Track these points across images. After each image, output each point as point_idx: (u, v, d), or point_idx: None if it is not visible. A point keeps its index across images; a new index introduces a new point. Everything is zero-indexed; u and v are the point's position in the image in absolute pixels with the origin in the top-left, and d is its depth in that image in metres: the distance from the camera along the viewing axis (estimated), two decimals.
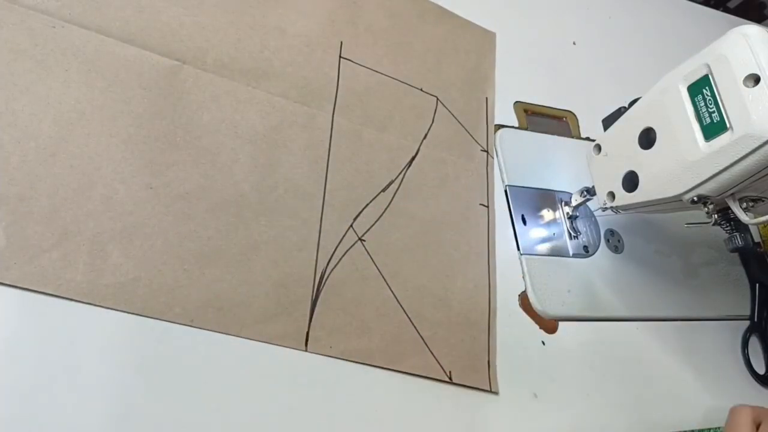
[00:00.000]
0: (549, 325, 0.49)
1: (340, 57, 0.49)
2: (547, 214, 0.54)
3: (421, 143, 0.50)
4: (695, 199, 0.41)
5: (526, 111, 0.59)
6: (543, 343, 0.48)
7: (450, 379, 0.43)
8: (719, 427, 0.51)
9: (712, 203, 0.41)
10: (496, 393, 0.44)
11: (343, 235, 0.44)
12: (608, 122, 0.49)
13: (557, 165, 0.57)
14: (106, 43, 0.41)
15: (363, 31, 0.52)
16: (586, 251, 0.54)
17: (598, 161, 0.48)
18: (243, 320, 0.39)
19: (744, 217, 0.40)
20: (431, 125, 0.51)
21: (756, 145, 0.36)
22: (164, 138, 0.41)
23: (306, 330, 0.40)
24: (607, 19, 0.73)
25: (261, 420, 0.37)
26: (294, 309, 0.41)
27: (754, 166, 0.37)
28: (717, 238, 0.61)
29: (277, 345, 0.39)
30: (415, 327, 0.44)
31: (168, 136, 0.41)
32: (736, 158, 0.37)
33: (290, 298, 0.41)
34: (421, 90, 0.52)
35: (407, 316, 0.44)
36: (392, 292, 0.44)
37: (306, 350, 0.40)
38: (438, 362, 0.43)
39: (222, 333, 0.38)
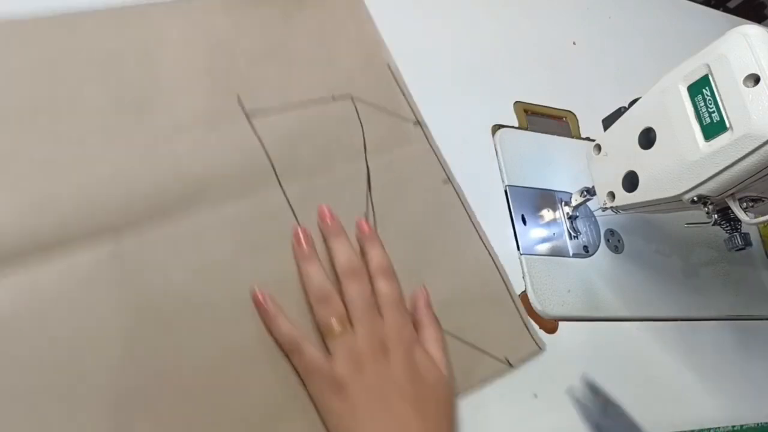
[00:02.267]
0: (549, 325, 0.49)
1: (246, 117, 0.43)
2: (547, 214, 0.54)
3: (366, 157, 0.47)
4: (695, 199, 0.41)
5: (526, 111, 0.59)
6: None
7: (510, 364, 0.43)
8: (719, 427, 0.51)
9: (712, 203, 0.41)
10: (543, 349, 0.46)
11: None
12: (608, 122, 0.49)
13: (557, 165, 0.57)
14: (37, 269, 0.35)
15: (247, 70, 0.45)
16: (586, 251, 0.54)
17: (598, 161, 0.48)
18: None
19: (744, 217, 0.40)
20: (363, 130, 0.48)
21: (756, 145, 0.36)
22: (137, 336, 0.35)
23: None
24: (607, 19, 0.73)
25: None
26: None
27: (754, 166, 0.37)
28: (717, 238, 0.61)
29: None
30: (455, 336, 0.43)
31: (137, 326, 0.35)
32: (736, 158, 0.37)
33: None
34: (333, 98, 0.48)
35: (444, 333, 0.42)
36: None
37: None
38: (492, 356, 0.43)
39: None
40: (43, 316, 0.34)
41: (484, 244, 0.48)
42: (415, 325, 0.42)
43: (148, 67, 0.42)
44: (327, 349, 0.38)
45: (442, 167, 0.50)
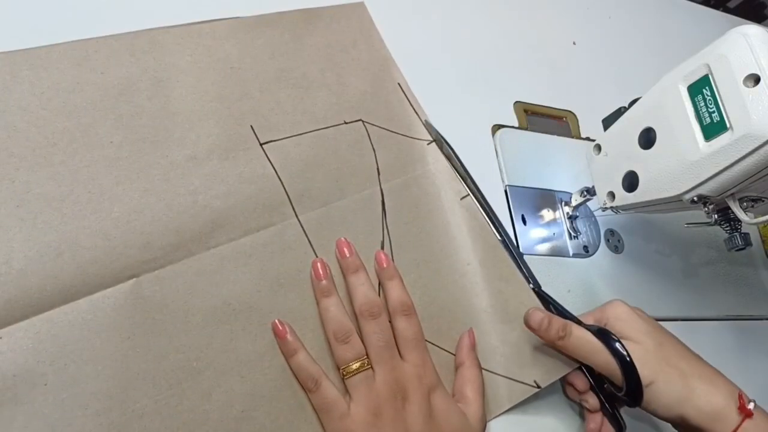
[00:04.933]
0: None
1: (260, 145, 0.43)
2: (547, 214, 0.54)
3: (380, 182, 0.46)
4: (695, 199, 0.41)
5: (526, 111, 0.59)
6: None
7: (539, 386, 0.42)
8: None
9: (712, 203, 0.41)
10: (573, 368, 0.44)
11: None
12: (608, 122, 0.49)
13: (557, 165, 0.57)
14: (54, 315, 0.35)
15: (259, 97, 0.45)
16: (586, 251, 0.54)
17: (598, 161, 0.48)
18: None
19: (744, 217, 0.40)
20: (375, 155, 0.47)
21: (756, 145, 0.36)
22: (161, 376, 0.36)
23: None
24: (607, 19, 0.73)
25: None
26: None
27: (754, 166, 0.37)
28: (717, 238, 0.61)
29: None
30: (488, 371, 0.42)
31: (160, 367, 0.36)
32: (736, 158, 0.37)
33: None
34: (345, 123, 0.47)
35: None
36: (444, 350, 0.42)
37: None
38: (521, 382, 0.42)
39: None
40: (64, 356, 0.34)
41: (516, 260, 0.46)
42: (457, 366, 0.42)
43: (160, 97, 0.42)
44: (345, 388, 0.38)
45: (462, 182, 0.48)
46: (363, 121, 0.48)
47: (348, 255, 0.41)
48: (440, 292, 0.44)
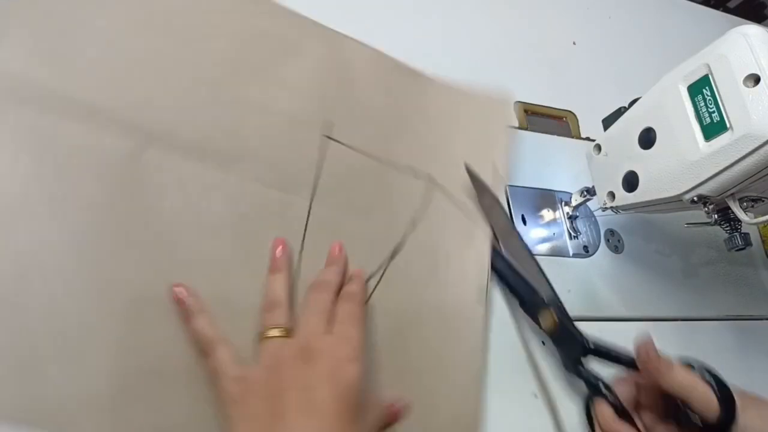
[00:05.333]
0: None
1: (324, 137, 0.44)
2: (547, 214, 0.54)
3: (409, 230, 0.45)
4: (695, 199, 0.41)
5: (526, 111, 0.59)
6: (543, 343, 0.48)
7: None
8: None
9: (712, 203, 0.41)
10: None
11: None
12: (608, 122, 0.49)
13: (557, 165, 0.57)
14: (62, 125, 0.37)
15: (354, 110, 0.47)
16: (586, 251, 0.54)
17: (598, 161, 0.48)
18: None
19: (744, 217, 0.40)
20: (422, 208, 0.46)
21: (756, 145, 0.36)
22: (117, 232, 0.36)
23: None
24: (607, 19, 0.73)
25: None
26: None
27: (754, 166, 0.37)
28: (717, 238, 0.61)
29: None
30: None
31: (121, 230, 0.36)
32: (736, 158, 0.37)
33: None
34: (413, 169, 0.47)
35: None
36: None
37: None
38: None
39: None
40: None
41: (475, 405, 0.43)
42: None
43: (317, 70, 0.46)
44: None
45: (486, 285, 0.45)
46: (431, 178, 0.47)
47: (337, 252, 0.41)
48: (395, 355, 0.41)
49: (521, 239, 0.44)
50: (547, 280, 0.44)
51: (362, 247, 0.43)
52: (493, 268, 0.46)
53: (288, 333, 0.36)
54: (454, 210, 0.47)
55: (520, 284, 0.45)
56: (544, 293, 0.44)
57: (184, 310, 0.36)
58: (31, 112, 0.36)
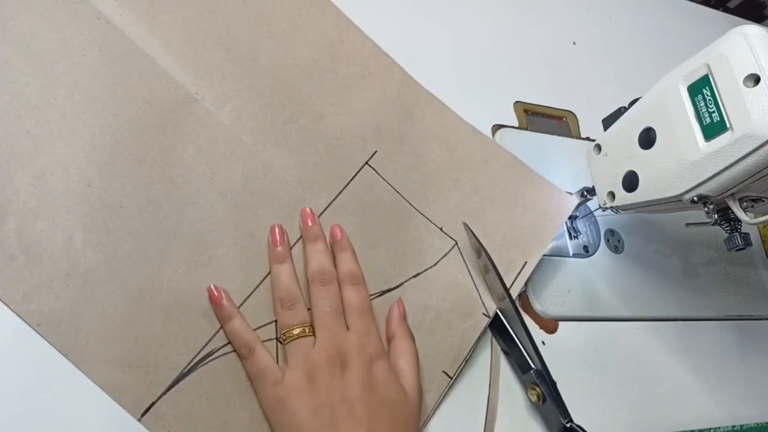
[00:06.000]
0: (549, 325, 0.49)
1: (365, 163, 0.45)
2: None
3: (408, 280, 0.44)
4: (695, 199, 0.41)
5: (526, 111, 0.59)
6: (543, 343, 0.48)
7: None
8: (719, 427, 0.51)
9: (712, 203, 0.41)
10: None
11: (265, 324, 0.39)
12: (608, 122, 0.49)
13: (557, 165, 0.57)
14: (136, 53, 0.41)
15: (406, 152, 0.47)
16: (586, 251, 0.54)
17: (598, 161, 0.48)
18: (93, 351, 0.35)
19: (744, 217, 0.40)
20: (432, 267, 0.45)
21: (756, 145, 0.36)
22: (134, 148, 0.39)
23: (152, 400, 0.35)
24: (607, 19, 0.73)
25: None
26: (155, 370, 0.35)
27: (754, 166, 0.37)
28: (717, 238, 0.61)
29: (111, 397, 0.35)
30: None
31: (139, 149, 0.39)
32: (736, 158, 0.37)
33: (158, 357, 0.36)
34: (441, 229, 0.46)
35: None
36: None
37: (139, 420, 0.34)
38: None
39: (62, 353, 0.34)
40: None
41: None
42: (389, 338, 0.41)
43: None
44: (285, 356, 0.37)
45: (456, 368, 0.43)
46: (457, 245, 0.46)
47: (311, 224, 0.41)
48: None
49: (515, 304, 0.44)
50: (537, 350, 0.43)
51: (362, 266, 0.42)
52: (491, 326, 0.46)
53: (309, 329, 0.38)
54: (467, 283, 0.46)
55: (515, 353, 0.45)
56: (533, 364, 0.44)
57: (221, 312, 0.37)
58: (115, 31, 0.41)
